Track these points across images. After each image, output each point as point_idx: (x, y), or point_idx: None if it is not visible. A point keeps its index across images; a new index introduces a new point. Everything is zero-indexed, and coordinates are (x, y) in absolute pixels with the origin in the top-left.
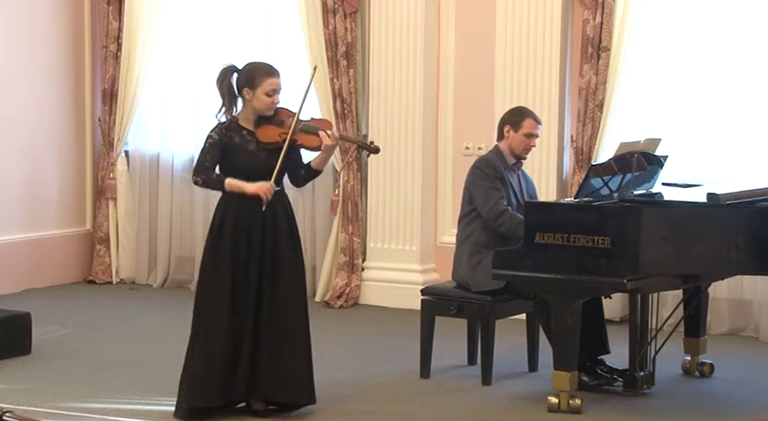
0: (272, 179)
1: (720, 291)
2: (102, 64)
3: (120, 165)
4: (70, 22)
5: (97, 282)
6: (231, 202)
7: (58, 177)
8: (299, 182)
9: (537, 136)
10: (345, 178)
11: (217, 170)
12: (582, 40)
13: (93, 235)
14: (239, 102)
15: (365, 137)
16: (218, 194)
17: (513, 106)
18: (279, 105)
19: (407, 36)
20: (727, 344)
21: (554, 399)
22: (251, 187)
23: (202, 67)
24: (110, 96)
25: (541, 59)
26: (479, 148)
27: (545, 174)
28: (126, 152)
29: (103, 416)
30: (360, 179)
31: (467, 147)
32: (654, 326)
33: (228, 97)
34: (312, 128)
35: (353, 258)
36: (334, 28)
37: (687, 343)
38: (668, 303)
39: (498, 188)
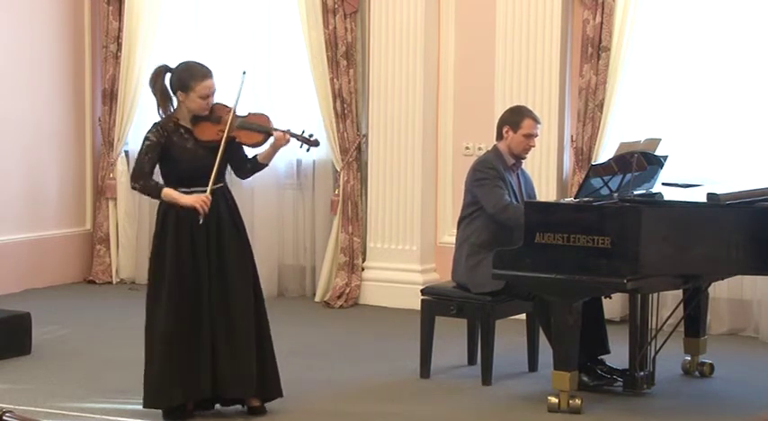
0: (208, 190)
1: (720, 291)
2: (102, 64)
3: (120, 165)
4: (70, 22)
5: (97, 282)
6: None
7: (58, 177)
8: (244, 174)
9: (536, 135)
10: (345, 178)
11: (157, 172)
12: (582, 40)
13: (93, 235)
14: (174, 100)
15: (304, 132)
16: None
17: (512, 105)
18: (215, 102)
19: (407, 36)
20: (727, 344)
21: (554, 399)
22: (186, 199)
23: None
24: (110, 96)
25: (541, 59)
26: (479, 148)
27: (545, 174)
28: (126, 152)
29: (103, 416)
30: (360, 179)
31: (467, 147)
32: (654, 326)
33: (162, 97)
34: (251, 124)
35: (353, 258)
36: (334, 28)
37: (687, 343)
38: (668, 303)
39: (500, 186)
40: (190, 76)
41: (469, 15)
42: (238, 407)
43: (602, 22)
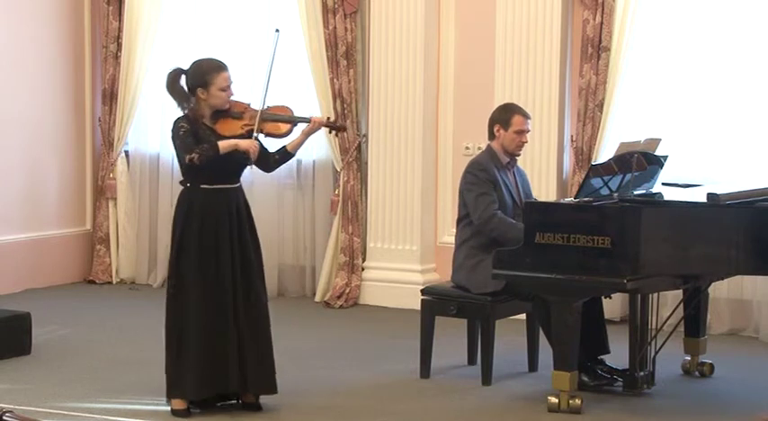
0: (255, 132)
1: (720, 291)
2: (102, 64)
3: (120, 165)
4: (70, 22)
5: (97, 282)
6: (195, 198)
7: (58, 177)
8: (270, 167)
9: (528, 131)
10: (345, 178)
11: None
12: (582, 40)
13: (93, 235)
14: (192, 101)
15: (329, 118)
16: None
17: (501, 104)
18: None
19: (407, 36)
20: (727, 344)
21: (554, 399)
22: (244, 143)
23: None
24: (110, 96)
25: (541, 59)
26: (479, 148)
27: (545, 174)
28: (126, 152)
29: (103, 416)
30: (360, 179)
31: (467, 147)
32: (654, 327)
33: (183, 99)
34: (275, 116)
35: (353, 258)
36: (335, 28)
37: (687, 343)
38: (668, 303)
39: (488, 193)
40: (206, 70)
41: (469, 15)
42: (232, 401)
43: (602, 22)
